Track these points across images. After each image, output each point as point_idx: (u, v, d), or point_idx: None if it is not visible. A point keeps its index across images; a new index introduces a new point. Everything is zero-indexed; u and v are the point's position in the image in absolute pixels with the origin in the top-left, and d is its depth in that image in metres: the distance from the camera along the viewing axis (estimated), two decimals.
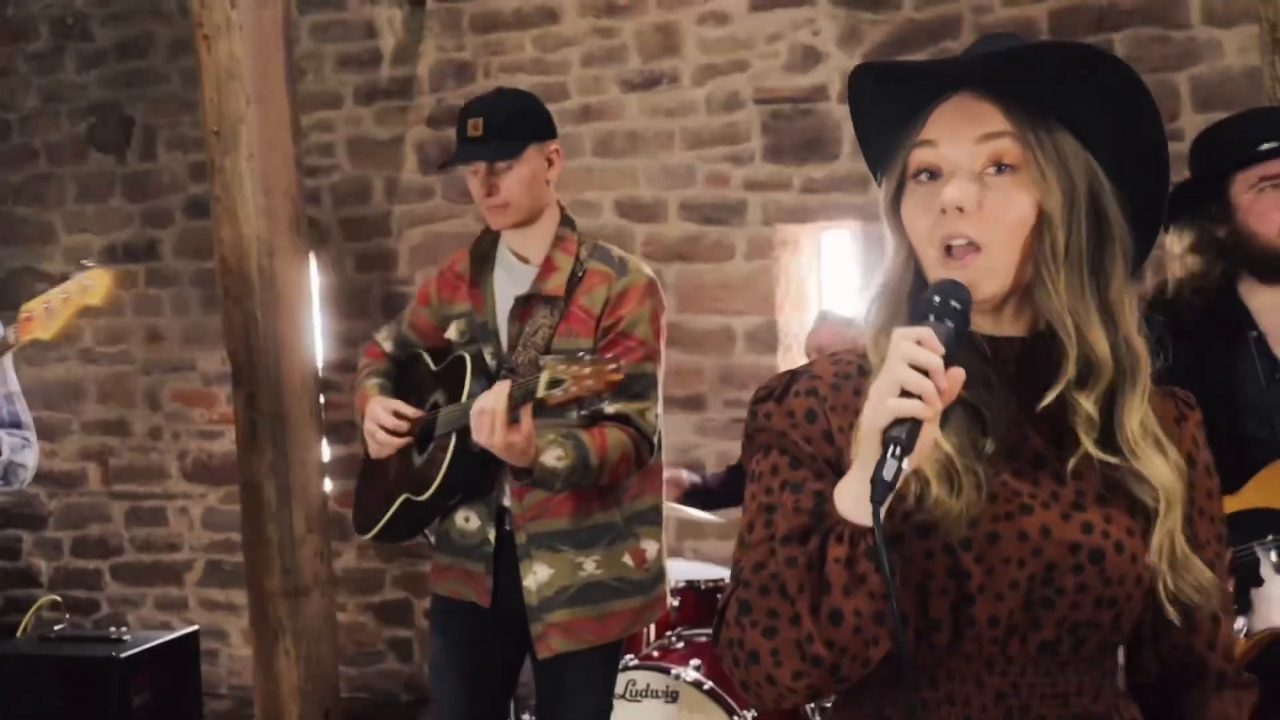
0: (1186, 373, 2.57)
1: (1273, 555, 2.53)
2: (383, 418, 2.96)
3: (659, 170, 5.20)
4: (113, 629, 4.18)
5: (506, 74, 5.34)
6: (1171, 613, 1.37)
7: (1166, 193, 1.42)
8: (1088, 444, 1.35)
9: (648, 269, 3.00)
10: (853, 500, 1.26)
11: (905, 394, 1.20)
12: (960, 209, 1.33)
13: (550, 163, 2.97)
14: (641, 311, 2.91)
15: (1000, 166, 1.34)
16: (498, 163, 2.87)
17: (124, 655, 3.91)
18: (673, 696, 3.43)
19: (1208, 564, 1.42)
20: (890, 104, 1.42)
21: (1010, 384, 1.39)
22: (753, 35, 5.04)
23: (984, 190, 1.33)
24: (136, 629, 4.57)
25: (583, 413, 2.84)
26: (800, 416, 1.41)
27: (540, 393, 2.53)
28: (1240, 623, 2.58)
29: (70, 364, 6.01)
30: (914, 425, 1.20)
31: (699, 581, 3.79)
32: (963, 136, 1.35)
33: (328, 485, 4.36)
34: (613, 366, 2.53)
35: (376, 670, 5.68)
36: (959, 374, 1.22)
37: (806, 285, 5.30)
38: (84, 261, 3.45)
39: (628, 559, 2.95)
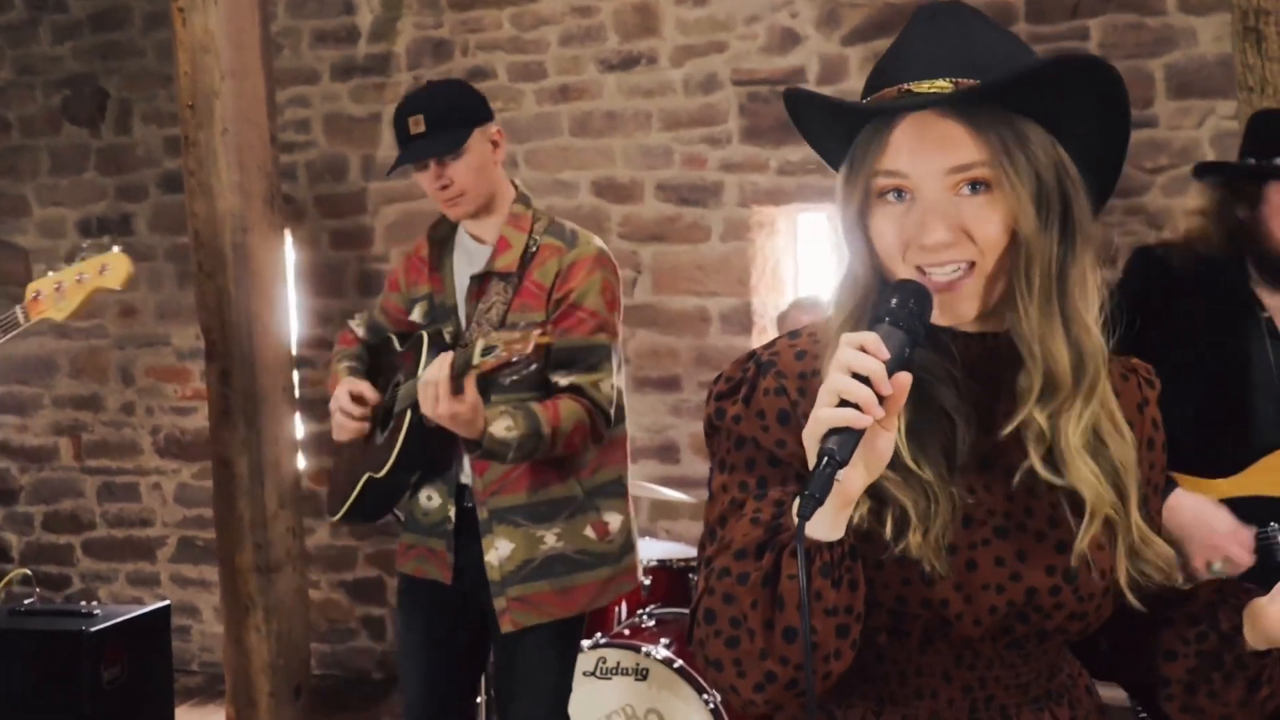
0: (1190, 330, 2.58)
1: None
2: (342, 401, 2.99)
3: (636, 150, 5.20)
4: (83, 603, 4.17)
5: (484, 52, 5.33)
6: (1133, 600, 1.37)
7: (1119, 173, 1.39)
8: (1035, 461, 1.33)
9: (599, 241, 3.02)
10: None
11: (845, 404, 1.16)
12: (946, 246, 1.28)
13: (495, 144, 2.99)
14: (591, 282, 2.91)
15: (974, 185, 1.28)
16: (446, 156, 2.90)
17: (94, 629, 3.90)
18: (643, 674, 3.45)
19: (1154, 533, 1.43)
20: (839, 121, 1.36)
21: (990, 381, 1.36)
22: (731, 16, 5.04)
23: (960, 212, 1.28)
24: (108, 604, 4.55)
25: (531, 391, 2.86)
26: (772, 418, 1.36)
27: (475, 360, 2.57)
28: None
29: (43, 338, 5.98)
30: (849, 435, 1.15)
31: (671, 561, 3.81)
32: (932, 167, 1.28)
33: (301, 462, 4.36)
34: (539, 330, 2.58)
35: (348, 647, 5.68)
36: (905, 380, 1.18)
37: (782, 267, 5.31)
38: (102, 240, 3.41)
39: (589, 531, 2.97)
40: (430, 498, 3.04)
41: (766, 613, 1.24)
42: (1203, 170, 2.72)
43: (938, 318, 1.29)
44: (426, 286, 3.08)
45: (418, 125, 2.90)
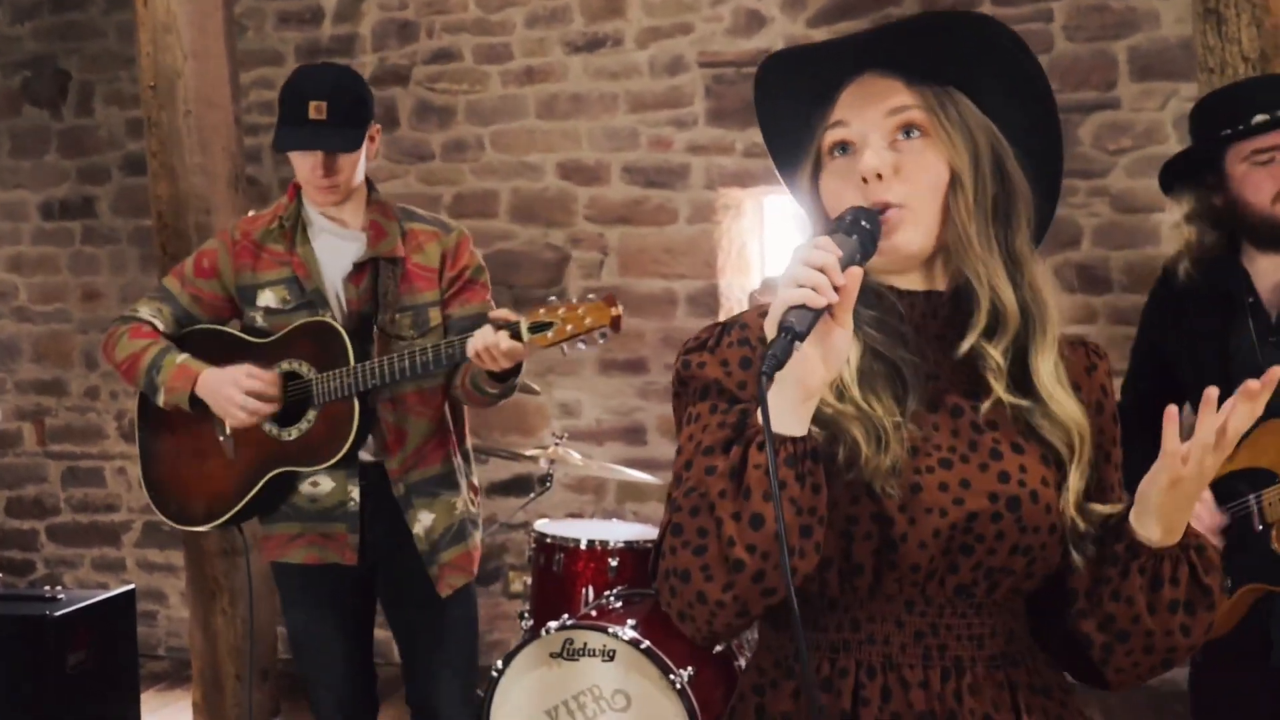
0: (1191, 340, 2.65)
1: (1256, 512, 2.59)
2: (252, 384, 2.94)
3: (602, 133, 5.20)
4: (47, 588, 4.14)
5: (449, 33, 5.31)
6: (1076, 559, 1.43)
7: (1061, 158, 1.50)
8: (998, 389, 1.42)
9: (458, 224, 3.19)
10: (775, 410, 1.29)
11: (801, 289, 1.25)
12: (879, 175, 1.39)
13: (372, 140, 3.08)
14: (477, 259, 3.13)
15: (909, 131, 1.42)
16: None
17: (59, 614, 3.87)
18: (609, 655, 3.46)
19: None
20: (799, 95, 1.49)
21: (935, 338, 1.46)
22: None
23: (898, 155, 1.41)
24: (73, 589, 4.53)
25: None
26: (735, 364, 1.45)
27: (525, 337, 2.76)
28: (1226, 582, 2.63)
29: (4, 322, 5.94)
30: (806, 312, 1.24)
31: (638, 543, 3.82)
32: (871, 112, 1.42)
33: None
34: (611, 304, 2.77)
35: None
36: (857, 273, 1.28)
37: (748, 249, 5.32)
38: None
39: (469, 494, 3.18)
40: (316, 484, 3.05)
41: (734, 503, 1.30)
42: (1166, 176, 2.76)
43: (883, 265, 1.41)
44: (278, 272, 3.05)
45: (319, 112, 2.91)
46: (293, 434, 3.01)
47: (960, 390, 1.45)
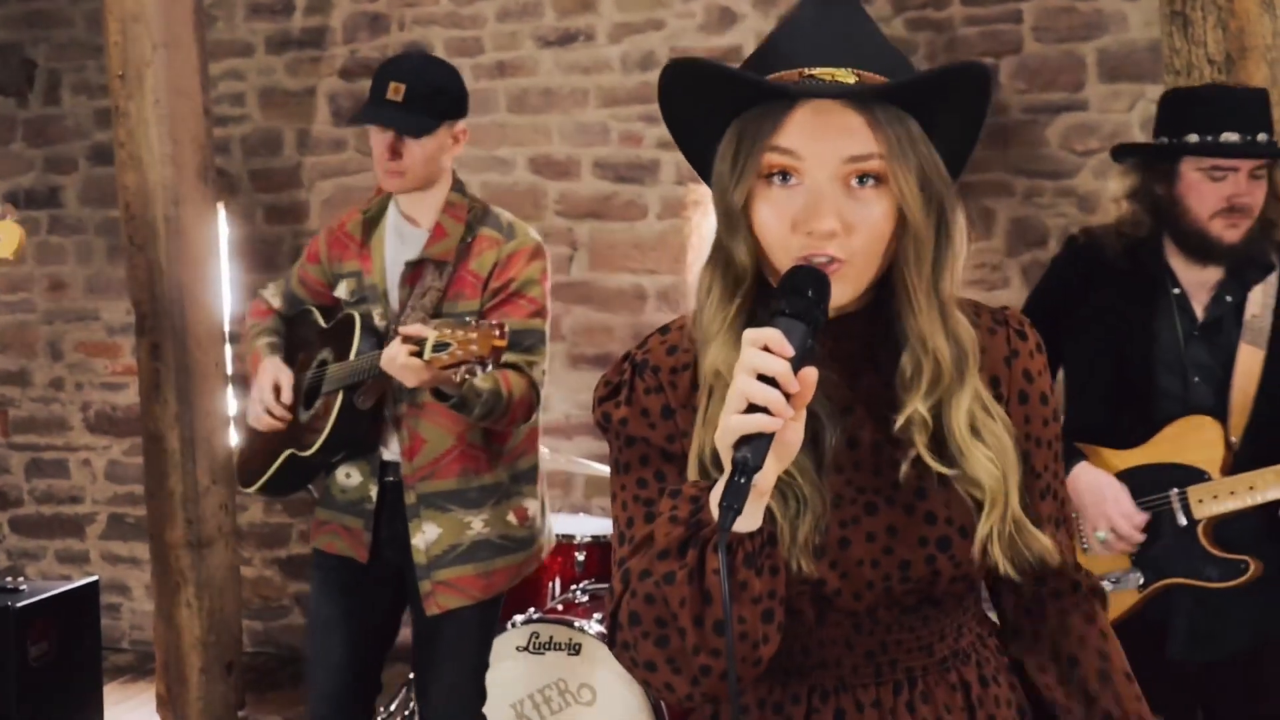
0: (1106, 310, 2.68)
1: (1179, 509, 2.62)
2: (266, 397, 3.02)
3: (573, 128, 5.19)
4: (9, 579, 4.11)
5: (421, 26, 5.30)
6: (1012, 572, 1.37)
7: (966, 163, 1.39)
8: (920, 449, 1.34)
9: (534, 232, 3.07)
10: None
11: (753, 408, 1.16)
12: (833, 234, 1.27)
13: (455, 140, 3.02)
14: (530, 272, 2.98)
15: (864, 178, 1.29)
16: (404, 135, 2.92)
17: (20, 605, 3.85)
18: (576, 649, 3.47)
19: (1044, 490, 1.47)
20: (733, 97, 1.33)
21: (847, 357, 1.39)
22: None
23: (851, 204, 1.28)
24: (35, 581, 4.49)
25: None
26: (656, 414, 1.40)
27: (426, 355, 2.61)
28: (1138, 576, 2.67)
29: None
30: (761, 440, 1.16)
31: (604, 537, 3.83)
32: (829, 154, 1.28)
33: (233, 438, 4.33)
34: (497, 333, 2.58)
35: (281, 625, 5.65)
36: (811, 375, 1.19)
37: None
38: None
39: (512, 517, 3.05)
40: (349, 475, 3.05)
41: (695, 609, 1.24)
42: (1120, 152, 2.79)
43: None
44: (354, 264, 3.08)
45: (396, 93, 2.91)
46: (305, 418, 3.05)
47: (876, 424, 1.37)
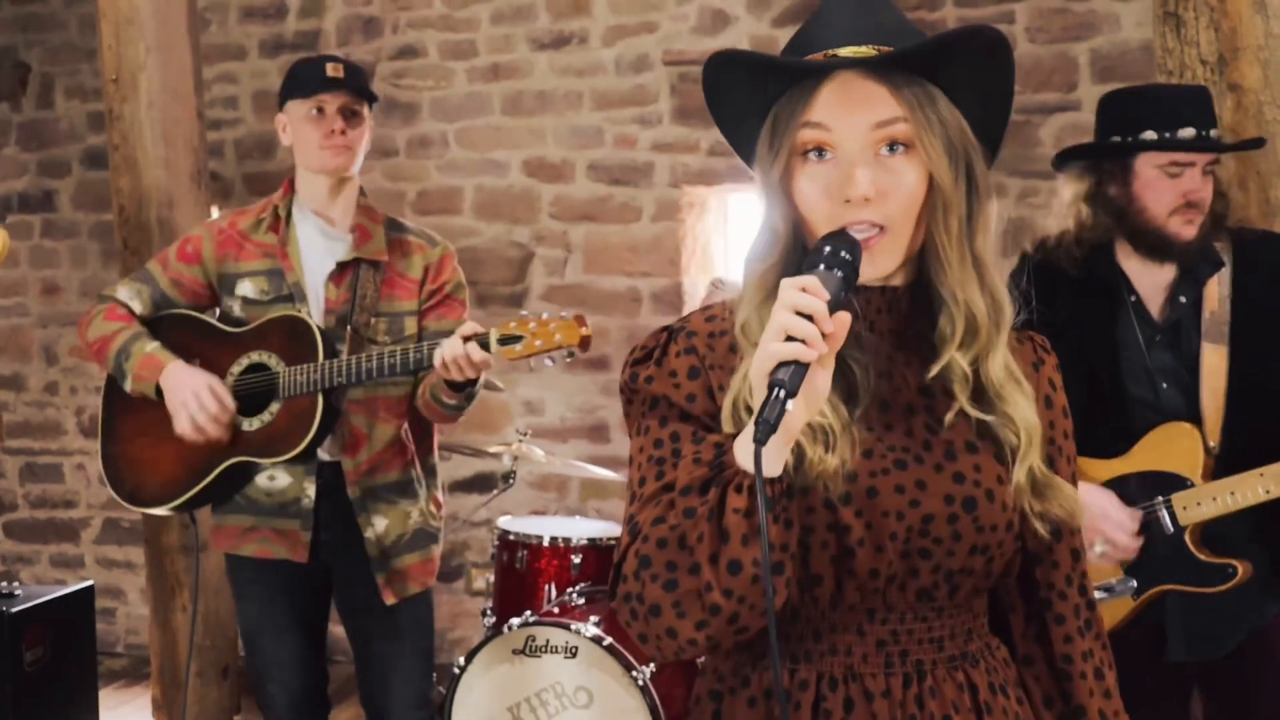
0: (1068, 324, 2.65)
1: (1165, 516, 2.62)
2: (211, 407, 2.94)
3: (567, 130, 5.20)
4: (4, 584, 4.10)
5: (414, 29, 5.29)
6: (1041, 529, 1.43)
7: (1003, 139, 1.47)
8: (963, 402, 1.41)
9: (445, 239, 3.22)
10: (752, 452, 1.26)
11: (791, 340, 1.21)
12: (866, 199, 1.35)
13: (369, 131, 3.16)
14: (459, 276, 3.16)
15: (893, 145, 1.37)
16: (352, 109, 3.03)
17: (15, 610, 3.83)
18: (572, 652, 3.46)
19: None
20: (768, 82, 1.42)
21: (890, 333, 1.45)
22: None
23: (882, 172, 1.36)
24: (30, 585, 4.49)
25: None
26: (683, 375, 1.44)
27: (493, 349, 2.77)
28: (1132, 582, 2.66)
29: None
30: (798, 368, 1.21)
31: (601, 540, 3.82)
32: (856, 123, 1.36)
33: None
34: (580, 323, 2.79)
35: None
36: (845, 318, 1.25)
37: (712, 247, 5.33)
38: None
39: (432, 506, 3.19)
40: (273, 478, 3.04)
41: (712, 545, 1.27)
42: (1066, 156, 2.75)
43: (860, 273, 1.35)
44: (261, 263, 3.06)
45: (337, 71, 3.02)
46: (254, 424, 2.99)
47: (916, 389, 1.44)
